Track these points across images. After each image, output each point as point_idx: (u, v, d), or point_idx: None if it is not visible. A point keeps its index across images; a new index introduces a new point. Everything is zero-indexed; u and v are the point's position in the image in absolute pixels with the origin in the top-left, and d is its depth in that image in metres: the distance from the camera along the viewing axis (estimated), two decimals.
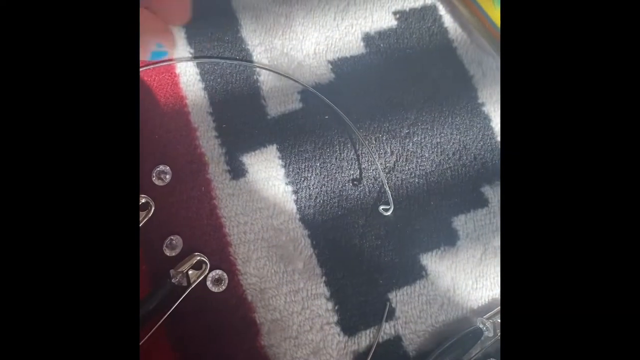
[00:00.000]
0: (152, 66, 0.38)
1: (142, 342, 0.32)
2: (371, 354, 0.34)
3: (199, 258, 0.34)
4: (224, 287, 0.34)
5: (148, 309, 0.32)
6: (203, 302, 0.34)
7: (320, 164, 0.37)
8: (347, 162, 0.37)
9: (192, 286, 0.34)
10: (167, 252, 0.34)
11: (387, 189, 0.36)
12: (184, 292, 0.33)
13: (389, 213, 0.36)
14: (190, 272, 0.34)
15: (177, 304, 0.33)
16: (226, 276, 0.34)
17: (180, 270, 0.34)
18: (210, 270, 0.34)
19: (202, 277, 0.34)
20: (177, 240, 0.34)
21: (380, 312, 0.35)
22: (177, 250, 0.34)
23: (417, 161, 0.38)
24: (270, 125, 0.38)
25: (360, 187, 0.37)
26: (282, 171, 0.37)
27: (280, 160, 0.37)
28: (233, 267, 0.35)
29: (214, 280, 0.34)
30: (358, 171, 0.37)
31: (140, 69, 0.37)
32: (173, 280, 0.33)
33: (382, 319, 0.34)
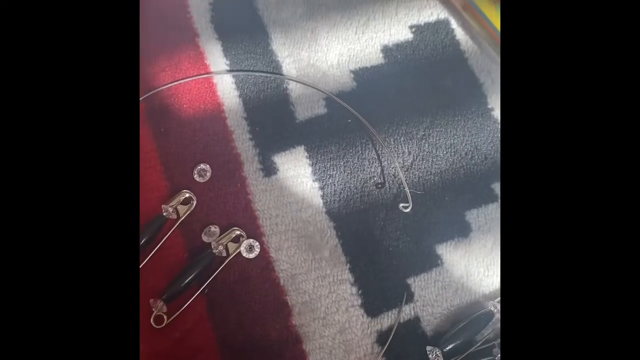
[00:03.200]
0: (190, 78, 0.42)
1: (183, 308, 0.36)
2: (393, 333, 0.37)
3: (237, 232, 0.38)
4: (257, 252, 0.38)
5: (191, 275, 0.36)
6: (242, 285, 0.38)
7: (344, 163, 0.41)
8: (368, 162, 0.41)
9: (232, 256, 0.37)
10: (205, 239, 0.38)
11: (407, 188, 0.40)
12: (224, 262, 0.37)
13: (408, 210, 0.40)
14: (229, 244, 0.38)
15: (217, 272, 0.37)
16: (257, 243, 0.38)
17: (220, 242, 0.37)
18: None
19: (239, 249, 0.38)
20: (215, 229, 0.38)
21: (400, 296, 0.38)
22: (215, 238, 0.38)
23: (432, 160, 0.42)
24: (298, 128, 0.42)
25: (381, 186, 0.41)
26: (309, 169, 0.41)
27: (307, 160, 0.41)
28: (267, 255, 0.39)
29: (248, 247, 0.38)
30: (379, 169, 0.41)
31: (182, 80, 0.42)
32: (214, 251, 0.37)
33: (402, 302, 0.38)
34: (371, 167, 0.41)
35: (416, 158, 0.41)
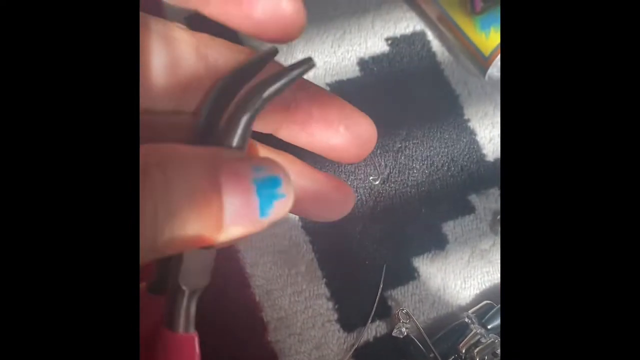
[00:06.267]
0: None
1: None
2: (358, 342, 0.37)
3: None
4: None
5: None
6: (217, 303, 0.38)
7: None
8: (344, 175, 0.41)
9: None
10: None
11: (376, 164, 0.40)
12: None
13: (377, 182, 0.40)
14: None
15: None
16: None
17: None
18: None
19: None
20: None
21: (376, 310, 0.38)
22: None
23: (408, 173, 0.42)
24: (273, 140, 0.41)
25: (357, 197, 0.41)
26: None
27: None
28: (242, 271, 0.38)
29: None
30: (355, 182, 0.41)
31: None
32: None
33: (372, 315, 0.38)
34: (347, 180, 0.41)
35: (392, 170, 0.41)
